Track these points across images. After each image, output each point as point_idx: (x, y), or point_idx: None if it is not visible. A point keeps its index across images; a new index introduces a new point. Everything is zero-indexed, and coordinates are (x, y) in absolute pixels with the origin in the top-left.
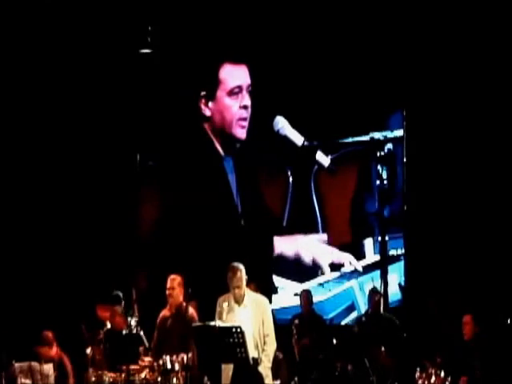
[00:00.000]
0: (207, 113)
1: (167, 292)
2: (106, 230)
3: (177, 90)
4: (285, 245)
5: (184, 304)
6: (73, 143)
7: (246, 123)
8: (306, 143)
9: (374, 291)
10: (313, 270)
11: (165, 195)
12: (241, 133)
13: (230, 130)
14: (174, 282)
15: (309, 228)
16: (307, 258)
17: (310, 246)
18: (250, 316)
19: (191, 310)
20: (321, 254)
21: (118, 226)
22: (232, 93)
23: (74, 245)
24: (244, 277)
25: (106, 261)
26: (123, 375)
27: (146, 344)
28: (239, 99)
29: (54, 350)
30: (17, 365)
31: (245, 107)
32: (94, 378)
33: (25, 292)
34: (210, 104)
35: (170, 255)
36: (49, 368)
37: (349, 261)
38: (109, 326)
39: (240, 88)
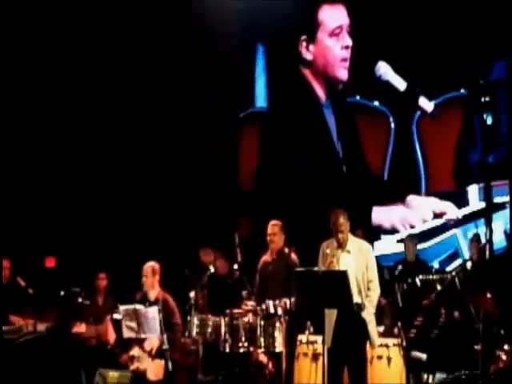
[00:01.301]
0: (308, 57)
1: (268, 238)
2: (209, 176)
3: (275, 37)
4: (382, 216)
5: (285, 249)
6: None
7: (347, 64)
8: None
9: (475, 238)
10: None
11: (265, 142)
12: (343, 74)
13: (333, 72)
14: (275, 227)
15: (410, 175)
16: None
17: (407, 213)
18: (353, 261)
19: (293, 255)
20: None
21: (220, 171)
22: (333, 34)
23: (181, 192)
24: (347, 222)
25: (211, 206)
26: (226, 319)
27: (249, 288)
28: (340, 40)
29: (157, 290)
30: (122, 308)
31: (346, 47)
32: (197, 322)
33: (130, 237)
34: (311, 47)
35: (271, 201)
36: (154, 311)
37: (450, 209)
38: (212, 270)
39: (340, 28)
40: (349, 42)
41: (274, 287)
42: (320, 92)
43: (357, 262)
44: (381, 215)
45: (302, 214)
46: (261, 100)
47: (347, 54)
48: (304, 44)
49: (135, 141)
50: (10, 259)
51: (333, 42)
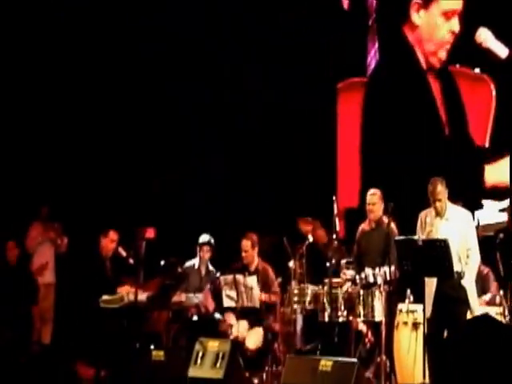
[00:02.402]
0: (416, 20)
1: (367, 207)
2: (307, 146)
3: None
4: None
5: (384, 218)
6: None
7: (448, 47)
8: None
9: None
10: None
11: (368, 110)
12: (442, 55)
13: (435, 50)
14: (374, 196)
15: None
16: None
17: None
18: (452, 229)
19: (392, 224)
20: None
21: (317, 143)
22: (445, 14)
23: (278, 161)
24: (445, 190)
25: (309, 175)
26: (325, 288)
27: (348, 258)
28: (449, 22)
29: (256, 261)
30: (222, 277)
31: (453, 33)
32: (296, 291)
33: (229, 207)
34: (422, 13)
35: (371, 169)
36: (252, 280)
37: None
38: (311, 239)
39: (454, 12)
40: (457, 28)
41: (372, 256)
42: (422, 58)
43: (456, 229)
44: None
45: (402, 181)
46: None
47: (451, 38)
48: (416, 7)
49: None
50: (118, 232)
51: (442, 22)
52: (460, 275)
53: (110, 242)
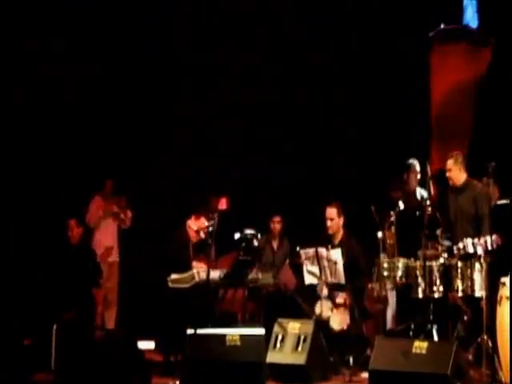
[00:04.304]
0: None
1: (447, 174)
2: (401, 100)
3: None
4: None
5: (472, 181)
6: None
7: None
8: None
9: None
10: None
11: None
12: None
13: None
14: (450, 161)
15: None
16: None
17: None
18: None
19: (479, 186)
20: None
21: (410, 96)
22: None
23: (369, 125)
24: None
25: (402, 134)
26: (418, 261)
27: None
28: None
29: (341, 233)
30: (302, 251)
31: None
32: (386, 265)
33: (307, 175)
34: None
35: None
36: (337, 253)
37: None
38: (401, 206)
39: None
40: None
41: (461, 225)
42: None
43: None
44: None
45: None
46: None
47: None
48: None
49: None
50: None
51: None
52: None
53: (198, 225)
